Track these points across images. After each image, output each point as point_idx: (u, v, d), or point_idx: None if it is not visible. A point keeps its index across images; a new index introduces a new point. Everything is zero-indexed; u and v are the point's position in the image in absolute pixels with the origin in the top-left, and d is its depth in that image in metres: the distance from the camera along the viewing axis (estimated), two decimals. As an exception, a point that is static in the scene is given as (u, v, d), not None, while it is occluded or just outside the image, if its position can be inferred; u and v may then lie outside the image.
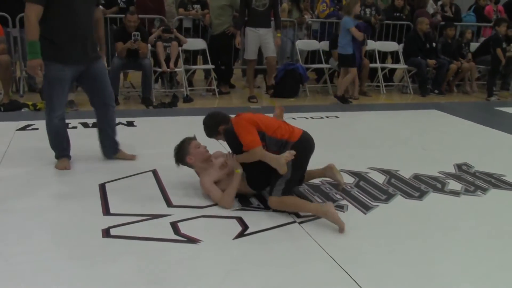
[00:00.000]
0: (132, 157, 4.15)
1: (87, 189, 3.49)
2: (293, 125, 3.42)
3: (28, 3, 3.33)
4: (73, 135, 4.06)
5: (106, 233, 2.84)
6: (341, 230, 2.97)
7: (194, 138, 3.49)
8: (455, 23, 8.73)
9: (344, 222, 2.97)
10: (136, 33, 6.32)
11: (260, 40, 6.79)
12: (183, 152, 3.41)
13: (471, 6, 10.13)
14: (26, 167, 3.87)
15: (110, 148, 4.09)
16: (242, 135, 3.16)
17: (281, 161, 3.08)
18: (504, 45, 8.14)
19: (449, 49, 8.28)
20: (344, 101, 7.14)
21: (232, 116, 3.39)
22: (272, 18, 6.92)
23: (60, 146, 3.89)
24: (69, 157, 3.94)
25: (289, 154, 3.08)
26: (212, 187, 3.30)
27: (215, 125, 3.37)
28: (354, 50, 6.97)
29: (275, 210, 3.20)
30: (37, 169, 3.83)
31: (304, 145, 3.27)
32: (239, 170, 3.27)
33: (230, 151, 3.37)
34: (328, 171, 3.62)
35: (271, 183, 3.18)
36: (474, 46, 8.92)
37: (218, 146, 3.87)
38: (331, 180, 3.71)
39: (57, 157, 3.91)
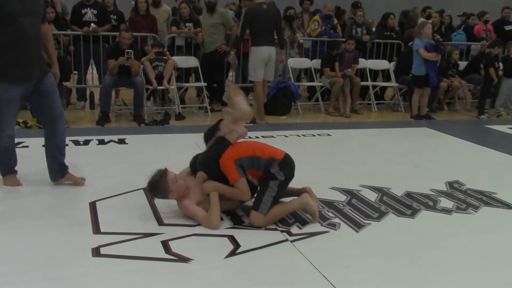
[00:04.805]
0: (80, 181, 3.86)
1: (77, 207, 3.46)
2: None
3: None
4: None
5: (96, 252, 2.80)
6: (314, 219, 3.28)
7: (166, 171, 3.29)
8: (445, 42, 8.84)
9: (336, 238, 2.96)
10: (130, 50, 6.34)
11: None
12: (164, 192, 3.23)
13: (460, 25, 10.27)
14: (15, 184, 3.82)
15: (56, 172, 3.83)
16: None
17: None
18: (496, 64, 8.24)
19: (438, 68, 8.36)
20: (420, 118, 7.49)
21: None
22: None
23: (8, 163, 3.78)
24: (15, 172, 3.83)
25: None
26: (196, 209, 3.24)
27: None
28: (428, 70, 7.27)
29: (266, 229, 3.18)
30: (26, 187, 3.79)
31: (289, 163, 3.31)
32: (215, 192, 3.22)
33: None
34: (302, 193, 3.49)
35: (257, 196, 3.21)
36: (463, 64, 9.02)
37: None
38: (322, 198, 3.71)
39: (3, 174, 3.81)
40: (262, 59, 6.59)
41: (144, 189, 3.78)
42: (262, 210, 3.15)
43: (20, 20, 3.38)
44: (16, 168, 3.85)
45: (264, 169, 3.22)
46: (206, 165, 3.29)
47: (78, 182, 3.86)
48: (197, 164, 3.38)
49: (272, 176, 3.19)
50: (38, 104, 3.72)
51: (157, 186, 3.23)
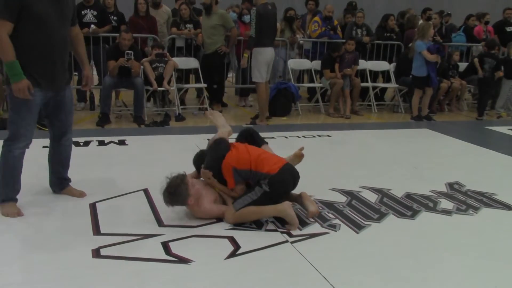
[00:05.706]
0: (80, 194, 3.67)
1: (77, 208, 3.45)
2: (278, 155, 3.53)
3: None
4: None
5: (96, 253, 2.80)
6: (293, 228, 3.17)
7: (185, 176, 3.26)
8: (445, 44, 8.84)
9: (336, 240, 2.94)
10: (130, 52, 6.35)
11: None
12: (184, 197, 3.18)
13: (460, 26, 10.28)
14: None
15: (55, 185, 3.69)
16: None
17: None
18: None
19: (438, 69, 8.37)
20: (421, 119, 7.48)
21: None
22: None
23: (13, 185, 3.34)
24: (16, 200, 3.37)
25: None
26: (219, 207, 3.33)
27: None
28: (429, 71, 7.27)
29: (266, 230, 3.18)
30: (26, 188, 3.78)
31: (280, 182, 3.30)
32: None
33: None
34: (299, 199, 3.53)
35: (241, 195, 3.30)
36: (463, 66, 9.02)
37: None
38: (322, 199, 3.72)
39: (4, 199, 3.32)
40: (266, 60, 6.60)
41: (144, 190, 3.81)
42: (236, 205, 3.23)
43: (48, 23, 3.16)
44: (17, 197, 3.42)
45: (258, 180, 3.30)
46: (213, 167, 3.39)
47: (77, 195, 3.67)
48: (205, 165, 3.44)
49: (259, 183, 3.27)
50: (51, 115, 3.46)
51: (178, 191, 3.15)
